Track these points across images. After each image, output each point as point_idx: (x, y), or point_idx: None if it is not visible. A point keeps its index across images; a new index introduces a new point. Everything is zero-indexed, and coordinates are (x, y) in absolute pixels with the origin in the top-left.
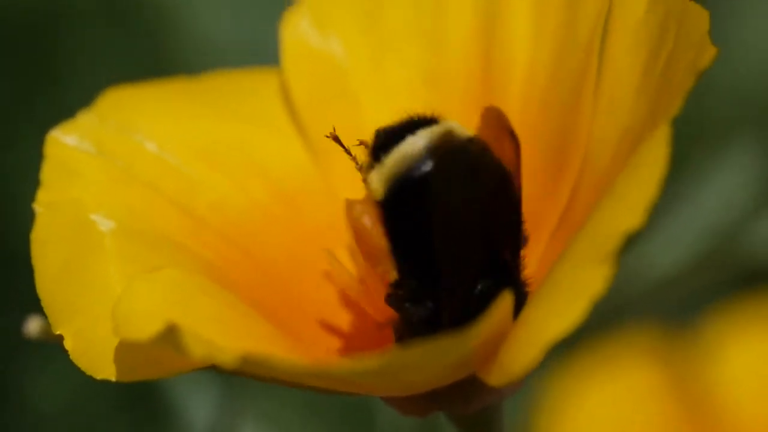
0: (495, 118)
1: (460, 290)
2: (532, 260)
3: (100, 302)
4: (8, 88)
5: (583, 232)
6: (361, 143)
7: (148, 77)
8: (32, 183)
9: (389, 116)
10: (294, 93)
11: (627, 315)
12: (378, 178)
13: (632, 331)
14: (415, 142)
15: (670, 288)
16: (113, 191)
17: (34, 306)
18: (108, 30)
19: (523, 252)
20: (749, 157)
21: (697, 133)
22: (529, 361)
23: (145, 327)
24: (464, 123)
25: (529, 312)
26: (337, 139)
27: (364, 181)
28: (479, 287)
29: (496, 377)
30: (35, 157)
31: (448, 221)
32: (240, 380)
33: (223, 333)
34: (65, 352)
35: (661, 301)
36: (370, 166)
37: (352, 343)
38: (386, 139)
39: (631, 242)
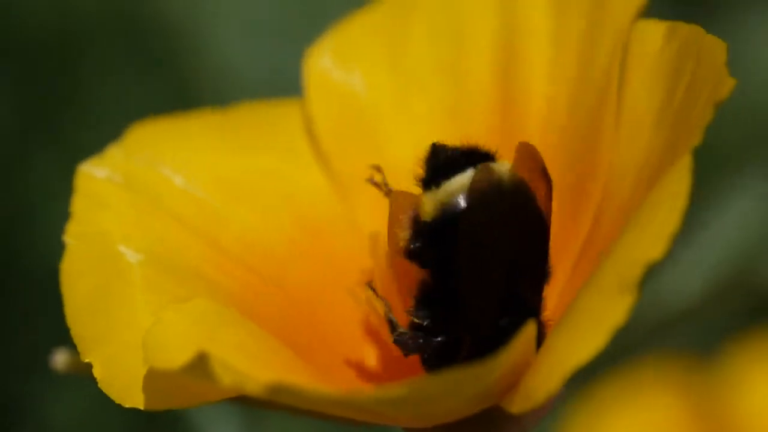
0: (529, 156)
1: (481, 325)
2: (553, 290)
3: (129, 332)
4: (27, 112)
5: (606, 262)
6: (375, 183)
7: (167, 102)
8: (50, 203)
9: (412, 150)
10: (317, 127)
11: (647, 345)
12: (432, 200)
13: (654, 363)
14: (462, 180)
15: (689, 317)
16: (141, 224)
17: (51, 328)
18: (127, 55)
19: (545, 288)
20: (764, 184)
21: (711, 162)
22: (551, 388)
23: (175, 356)
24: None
25: (552, 340)
26: (374, 183)
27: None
28: (500, 323)
29: (518, 404)
30: (53, 179)
31: (476, 257)
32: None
33: (249, 363)
34: (80, 378)
35: (681, 331)
36: (426, 185)
37: (375, 374)
38: (447, 165)
39: (651, 272)
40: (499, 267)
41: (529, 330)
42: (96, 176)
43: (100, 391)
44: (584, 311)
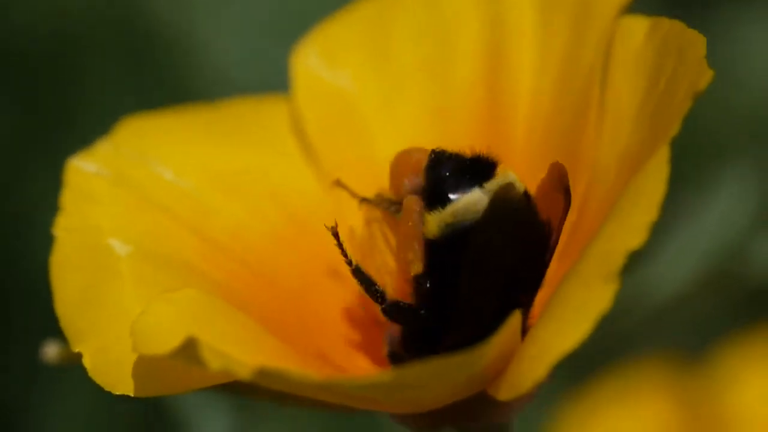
0: (557, 174)
1: (470, 322)
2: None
3: (118, 322)
4: (24, 120)
5: (587, 252)
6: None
7: (162, 107)
8: (49, 213)
9: (398, 146)
10: (305, 123)
11: (633, 339)
12: (437, 221)
13: (642, 361)
14: (481, 200)
15: (674, 310)
16: (130, 217)
17: (51, 334)
18: (122, 62)
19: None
20: (748, 176)
21: (696, 155)
22: (537, 376)
23: (164, 343)
24: (470, 149)
25: (537, 329)
26: (341, 184)
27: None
28: (487, 324)
29: (504, 392)
30: (51, 188)
31: (482, 262)
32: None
33: (237, 351)
34: (79, 381)
35: (669, 323)
36: (428, 202)
37: (361, 362)
38: (449, 180)
39: (634, 264)
40: (503, 276)
41: (515, 319)
42: (85, 170)
43: (100, 393)
44: (568, 300)
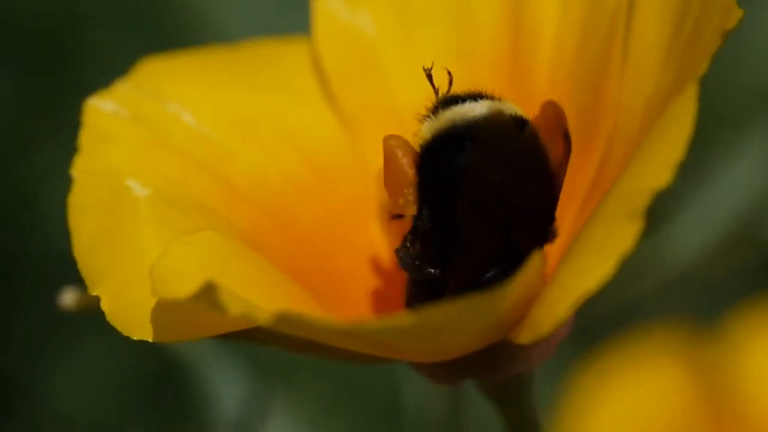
0: (553, 115)
1: (472, 266)
2: (562, 230)
3: (136, 265)
4: (30, 92)
5: (612, 191)
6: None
7: None
8: (54, 185)
9: (419, 88)
10: (325, 66)
11: (646, 306)
12: (428, 127)
13: (655, 328)
14: (474, 108)
15: (688, 276)
16: (149, 158)
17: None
18: (130, 33)
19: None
20: (764, 145)
21: (712, 124)
22: (559, 317)
23: (183, 287)
24: (494, 94)
25: (560, 270)
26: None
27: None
28: (491, 272)
29: (526, 335)
30: (57, 160)
31: (477, 193)
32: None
33: (257, 296)
34: (88, 352)
35: (680, 290)
36: (427, 117)
37: (381, 310)
38: (448, 101)
39: (649, 230)
40: (501, 210)
41: (537, 260)
42: (103, 110)
43: (105, 373)
44: (591, 240)
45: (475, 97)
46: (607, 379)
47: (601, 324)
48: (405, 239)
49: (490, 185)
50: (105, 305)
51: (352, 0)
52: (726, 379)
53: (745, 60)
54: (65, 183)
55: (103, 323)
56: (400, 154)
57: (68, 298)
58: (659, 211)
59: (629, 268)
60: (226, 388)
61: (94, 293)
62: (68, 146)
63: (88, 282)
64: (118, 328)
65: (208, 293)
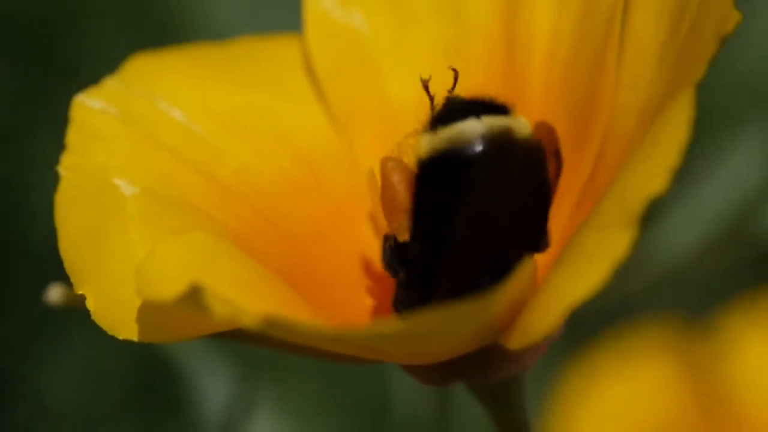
0: (546, 134)
1: (463, 275)
2: (555, 232)
3: (123, 264)
4: (22, 84)
5: (606, 196)
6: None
7: None
8: (47, 178)
9: (411, 87)
10: (316, 64)
11: (639, 302)
12: (427, 142)
13: (647, 324)
14: (475, 127)
15: (680, 273)
16: (137, 156)
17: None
18: (122, 26)
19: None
20: (758, 141)
21: (708, 119)
22: (550, 323)
23: (169, 288)
24: (487, 93)
25: (552, 275)
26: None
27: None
28: (482, 280)
29: (516, 340)
30: (49, 151)
31: (472, 216)
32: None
33: (245, 297)
34: (77, 348)
35: (672, 287)
36: (425, 130)
37: (372, 312)
38: (450, 113)
39: (645, 225)
40: (495, 228)
41: (529, 265)
42: (91, 107)
43: (94, 368)
44: (584, 246)
45: (479, 106)
46: (598, 376)
47: (593, 321)
48: (387, 239)
49: (484, 207)
50: (90, 304)
51: None
52: (717, 376)
53: (739, 56)
54: (57, 177)
55: (92, 319)
56: (396, 179)
57: (55, 294)
58: (651, 208)
59: (621, 264)
60: (215, 384)
61: (80, 291)
62: (61, 139)
63: (74, 280)
64: (104, 328)
65: (194, 296)
